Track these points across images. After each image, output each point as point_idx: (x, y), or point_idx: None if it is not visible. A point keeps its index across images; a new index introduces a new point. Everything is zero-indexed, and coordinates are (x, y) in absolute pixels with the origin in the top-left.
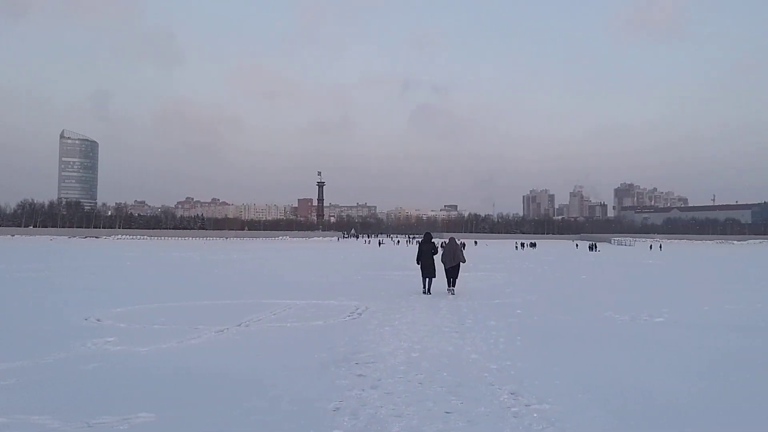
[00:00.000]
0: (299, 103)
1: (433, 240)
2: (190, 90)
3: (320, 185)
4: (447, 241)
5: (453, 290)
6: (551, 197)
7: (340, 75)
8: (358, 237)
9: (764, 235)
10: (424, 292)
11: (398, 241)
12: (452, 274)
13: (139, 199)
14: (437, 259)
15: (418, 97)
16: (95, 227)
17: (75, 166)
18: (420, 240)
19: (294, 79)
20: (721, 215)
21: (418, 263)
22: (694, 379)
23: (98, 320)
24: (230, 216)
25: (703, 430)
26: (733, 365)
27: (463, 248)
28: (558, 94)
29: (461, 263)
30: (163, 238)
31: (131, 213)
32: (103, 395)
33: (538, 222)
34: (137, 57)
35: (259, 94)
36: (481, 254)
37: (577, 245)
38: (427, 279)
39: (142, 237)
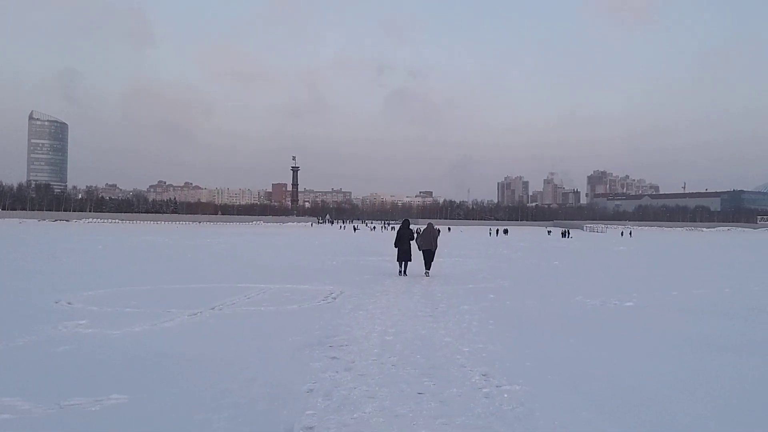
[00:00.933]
0: (272, 85)
1: (411, 226)
2: (161, 70)
3: (294, 170)
4: (425, 226)
5: (429, 272)
6: (525, 184)
7: (314, 58)
8: (333, 222)
9: (732, 222)
10: (400, 274)
11: (374, 227)
12: (428, 257)
13: (110, 183)
14: (414, 244)
15: (393, 81)
16: (65, 210)
17: (44, 148)
18: (398, 226)
19: (267, 60)
20: (691, 203)
21: (396, 247)
22: (661, 362)
23: (69, 303)
24: (203, 200)
25: (668, 411)
26: (699, 349)
27: (438, 234)
28: (533, 81)
29: (435, 248)
30: (135, 222)
31: (102, 196)
32: (75, 377)
33: (512, 209)
34: (107, 35)
35: (231, 76)
36: (456, 240)
37: (549, 232)
38: (404, 262)
39: (113, 221)
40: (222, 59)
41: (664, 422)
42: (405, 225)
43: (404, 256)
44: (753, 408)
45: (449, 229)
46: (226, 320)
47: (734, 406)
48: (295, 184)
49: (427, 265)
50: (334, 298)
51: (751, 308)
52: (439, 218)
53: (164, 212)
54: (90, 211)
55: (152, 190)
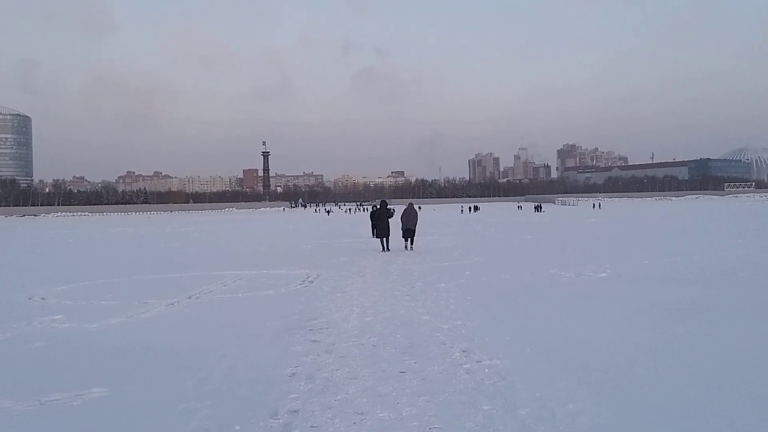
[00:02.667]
0: (235, 68)
1: (388, 206)
2: (122, 58)
3: (265, 155)
4: (406, 206)
5: (412, 247)
6: (496, 160)
7: (278, 38)
8: (305, 206)
9: (701, 190)
10: (383, 250)
11: (349, 210)
12: (409, 234)
13: (77, 175)
14: (394, 222)
15: (360, 60)
16: (33, 205)
17: (8, 143)
18: (377, 206)
19: (230, 43)
20: (660, 173)
21: (373, 223)
22: (635, 331)
23: (43, 299)
24: (174, 189)
25: (643, 378)
26: (671, 316)
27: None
28: (499, 55)
29: (415, 226)
30: (105, 214)
31: (70, 189)
32: (54, 373)
33: (484, 185)
34: (64, 23)
35: (194, 60)
36: (429, 218)
37: (519, 207)
38: (384, 238)
39: (83, 213)
40: (184, 44)
41: (640, 389)
42: (383, 205)
43: (384, 233)
44: (724, 371)
45: (419, 207)
46: (203, 309)
47: (706, 371)
48: (266, 169)
49: (410, 241)
50: (311, 282)
51: (720, 273)
52: (412, 197)
53: (135, 203)
54: (58, 205)
55: (121, 180)
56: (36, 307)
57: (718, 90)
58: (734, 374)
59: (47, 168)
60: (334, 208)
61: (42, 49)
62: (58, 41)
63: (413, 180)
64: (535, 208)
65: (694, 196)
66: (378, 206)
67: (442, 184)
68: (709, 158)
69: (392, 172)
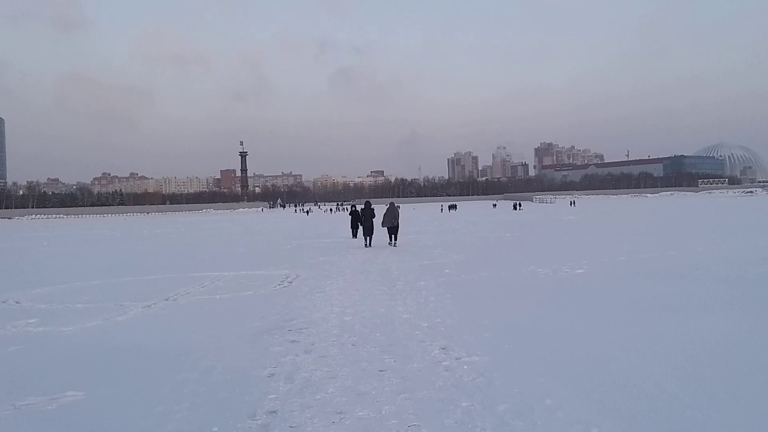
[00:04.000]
0: (211, 68)
1: (372, 207)
2: (95, 57)
3: (243, 155)
4: (387, 206)
5: (395, 243)
6: (475, 159)
7: (252, 38)
8: (284, 206)
9: (675, 187)
10: (366, 246)
11: (330, 209)
12: (392, 231)
13: (52, 177)
14: (377, 221)
15: (337, 59)
16: (6, 208)
17: None
18: (362, 207)
19: (205, 42)
20: (635, 170)
21: (360, 225)
22: (612, 326)
23: (17, 302)
24: (150, 190)
25: (621, 372)
26: (647, 310)
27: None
28: (478, 56)
29: (397, 223)
30: (80, 216)
31: (45, 191)
32: (28, 377)
33: (463, 184)
34: (35, 22)
35: (167, 60)
36: (409, 218)
37: (494, 205)
38: (368, 237)
39: (57, 216)
40: (158, 43)
41: (617, 383)
42: (367, 205)
43: (368, 231)
44: (700, 365)
45: (399, 206)
46: (181, 310)
47: (683, 365)
48: (244, 170)
49: (393, 238)
50: (290, 282)
51: (695, 268)
52: (392, 196)
53: (111, 204)
54: (33, 208)
55: (96, 182)
56: (10, 310)
57: (691, 91)
58: (710, 368)
59: (21, 170)
60: (314, 208)
61: (12, 48)
62: (30, 40)
63: (393, 179)
64: (514, 206)
65: (669, 192)
66: (354, 207)
67: (422, 183)
68: (683, 155)
69: (372, 172)
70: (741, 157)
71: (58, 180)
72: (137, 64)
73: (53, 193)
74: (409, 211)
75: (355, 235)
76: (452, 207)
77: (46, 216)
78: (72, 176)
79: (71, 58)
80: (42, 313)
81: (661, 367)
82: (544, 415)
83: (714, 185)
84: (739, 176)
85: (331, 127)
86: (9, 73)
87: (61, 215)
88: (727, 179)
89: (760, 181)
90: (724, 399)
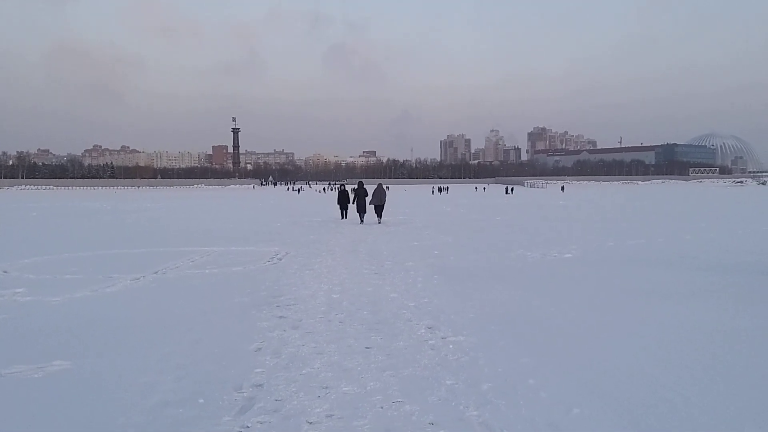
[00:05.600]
0: (201, 41)
1: (364, 186)
2: (85, 28)
3: (235, 131)
4: (376, 186)
5: (381, 220)
6: (468, 142)
7: (244, 10)
8: (276, 184)
9: (666, 175)
10: (360, 223)
11: (324, 189)
12: (379, 210)
13: (42, 148)
14: (367, 200)
15: (330, 35)
16: None
17: None
18: (353, 187)
19: (193, 14)
20: (627, 157)
21: (353, 203)
22: (597, 310)
23: (5, 272)
24: (141, 164)
25: (605, 355)
26: (632, 296)
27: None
28: (472, 38)
29: (384, 203)
30: (70, 187)
31: (35, 162)
32: (15, 345)
33: (455, 166)
34: None
35: (156, 32)
36: (400, 199)
37: (484, 188)
38: (362, 213)
39: (47, 187)
40: (146, 14)
41: (600, 365)
42: (360, 185)
43: (361, 209)
44: (683, 350)
45: (388, 187)
46: (169, 284)
47: (666, 349)
48: (236, 146)
49: (379, 216)
50: (280, 259)
51: (683, 256)
52: (383, 177)
53: (101, 177)
54: (22, 178)
55: (87, 154)
56: None
57: (686, 80)
58: (693, 352)
59: (10, 140)
60: (305, 187)
61: (2, 18)
62: (17, 10)
63: (385, 160)
64: (506, 190)
65: (660, 180)
66: (344, 186)
67: (414, 165)
68: (675, 144)
69: (364, 152)
70: (733, 147)
71: (48, 151)
72: (126, 36)
73: (43, 164)
74: (400, 193)
75: (343, 215)
76: (444, 189)
77: (35, 187)
78: (63, 147)
79: (59, 28)
80: (30, 283)
81: (644, 351)
82: (527, 395)
83: (705, 174)
84: (730, 166)
85: (323, 105)
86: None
87: (51, 186)
88: (718, 169)
89: (750, 172)
90: (705, 383)
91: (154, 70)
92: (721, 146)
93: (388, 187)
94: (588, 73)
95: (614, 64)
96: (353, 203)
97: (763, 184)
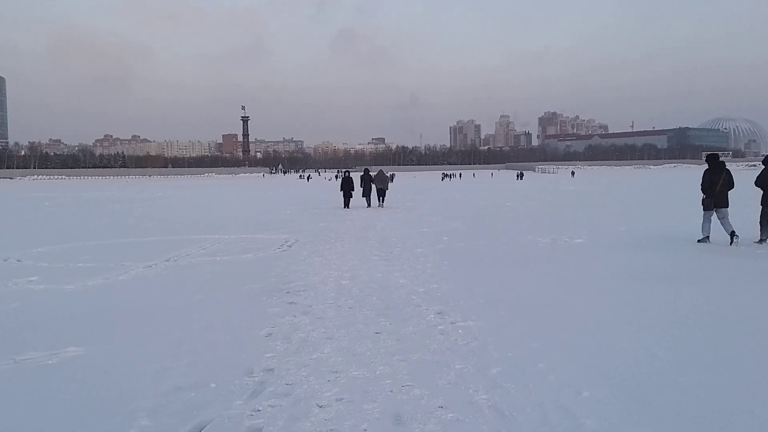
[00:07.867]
0: (206, 28)
1: (371, 173)
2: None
3: (244, 120)
4: (377, 172)
5: (383, 204)
6: (477, 128)
7: None
8: (286, 172)
9: (679, 159)
10: (368, 206)
11: (335, 176)
12: (381, 194)
13: (54, 138)
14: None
15: (336, 20)
16: (8, 168)
17: None
18: (360, 173)
19: (197, 1)
20: (639, 141)
21: (360, 186)
22: (607, 295)
23: (18, 260)
24: (152, 153)
25: (615, 339)
26: (643, 280)
27: (392, 180)
28: (479, 21)
29: (387, 188)
30: (82, 177)
31: (46, 152)
32: (29, 333)
33: (464, 152)
34: None
35: (162, 19)
36: (410, 186)
37: (491, 174)
38: (368, 198)
39: (59, 177)
40: (153, 2)
41: (609, 348)
42: (366, 172)
43: (367, 194)
44: (689, 332)
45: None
46: (181, 271)
47: (674, 331)
48: (245, 135)
49: (381, 200)
50: (290, 246)
51: (693, 240)
52: (392, 164)
53: (112, 167)
54: (34, 168)
55: (98, 144)
56: (11, 268)
57: (698, 56)
58: (703, 336)
59: (22, 130)
60: (314, 175)
61: (6, 6)
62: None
63: (394, 147)
64: (517, 175)
65: (673, 164)
66: (348, 173)
67: (423, 152)
68: (688, 127)
69: (373, 139)
70: (746, 130)
71: (60, 141)
72: (132, 24)
73: (55, 154)
74: (410, 180)
75: (346, 204)
76: (453, 175)
77: (47, 177)
78: (74, 137)
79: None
80: (43, 271)
81: (653, 334)
82: (536, 379)
83: None
84: (743, 149)
85: (331, 91)
86: (9, 33)
87: (63, 176)
88: (731, 152)
89: (764, 155)
90: (712, 364)
91: (161, 59)
92: (734, 129)
93: (393, 176)
94: (598, 49)
95: (624, 39)
96: (361, 186)
97: None
